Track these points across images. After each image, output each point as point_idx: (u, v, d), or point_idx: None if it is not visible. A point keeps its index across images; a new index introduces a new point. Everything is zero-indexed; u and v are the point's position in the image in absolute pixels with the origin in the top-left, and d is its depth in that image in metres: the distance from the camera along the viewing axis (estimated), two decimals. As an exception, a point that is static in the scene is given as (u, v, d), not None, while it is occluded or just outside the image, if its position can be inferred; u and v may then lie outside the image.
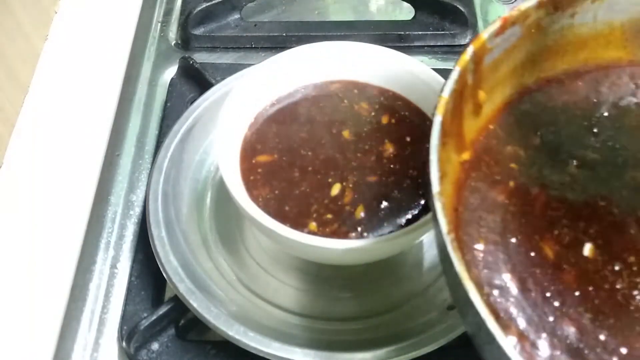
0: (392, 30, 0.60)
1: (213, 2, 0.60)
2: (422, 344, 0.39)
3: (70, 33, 0.61)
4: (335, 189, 0.41)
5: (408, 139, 0.43)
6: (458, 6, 0.60)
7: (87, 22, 0.61)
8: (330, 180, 0.41)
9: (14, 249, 0.47)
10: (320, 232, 0.39)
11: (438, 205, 0.29)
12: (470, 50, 0.33)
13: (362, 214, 0.40)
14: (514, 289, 0.31)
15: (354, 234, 0.39)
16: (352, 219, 0.40)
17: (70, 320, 0.43)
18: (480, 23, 0.62)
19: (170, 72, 0.57)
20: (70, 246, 0.47)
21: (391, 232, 0.39)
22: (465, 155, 0.35)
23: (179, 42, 0.60)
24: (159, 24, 0.62)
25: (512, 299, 0.31)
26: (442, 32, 0.60)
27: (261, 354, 0.39)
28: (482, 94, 0.35)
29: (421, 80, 0.44)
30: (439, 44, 0.60)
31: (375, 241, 0.38)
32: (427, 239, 0.46)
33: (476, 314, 0.26)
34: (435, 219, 0.29)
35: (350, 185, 0.41)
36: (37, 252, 0.47)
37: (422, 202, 0.40)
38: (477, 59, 0.33)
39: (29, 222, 0.49)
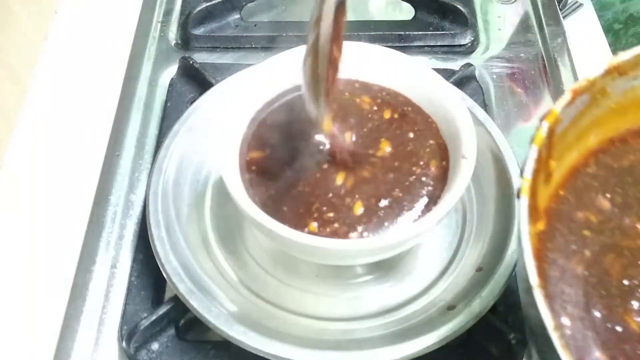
0: (392, 30, 0.60)
1: (213, 2, 0.60)
2: (422, 344, 0.39)
3: (70, 33, 0.61)
4: (336, 189, 0.41)
5: (410, 136, 0.43)
6: (458, 6, 0.60)
7: (87, 22, 0.62)
8: (330, 179, 0.41)
9: (14, 249, 0.47)
10: (321, 232, 0.39)
11: (539, 298, 0.28)
12: (545, 126, 0.32)
13: (362, 214, 0.40)
14: None
15: (354, 234, 0.39)
16: (352, 219, 0.39)
17: (70, 320, 0.43)
18: (480, 23, 0.62)
19: (170, 72, 0.57)
20: (70, 246, 0.47)
21: (391, 232, 0.39)
22: (540, 225, 0.34)
23: (179, 42, 0.60)
24: (159, 24, 0.62)
25: None
26: (442, 32, 0.60)
27: (261, 354, 0.39)
28: (552, 163, 0.34)
29: (422, 79, 0.44)
30: (439, 44, 0.60)
31: (375, 241, 0.38)
32: (427, 238, 0.46)
33: None
34: (535, 308, 0.28)
35: (351, 184, 0.41)
36: (37, 252, 0.47)
37: (423, 201, 0.40)
38: (550, 132, 0.33)
39: (29, 222, 0.49)
